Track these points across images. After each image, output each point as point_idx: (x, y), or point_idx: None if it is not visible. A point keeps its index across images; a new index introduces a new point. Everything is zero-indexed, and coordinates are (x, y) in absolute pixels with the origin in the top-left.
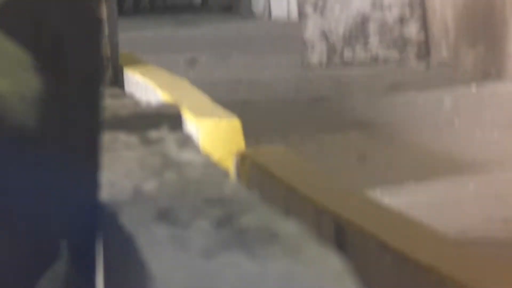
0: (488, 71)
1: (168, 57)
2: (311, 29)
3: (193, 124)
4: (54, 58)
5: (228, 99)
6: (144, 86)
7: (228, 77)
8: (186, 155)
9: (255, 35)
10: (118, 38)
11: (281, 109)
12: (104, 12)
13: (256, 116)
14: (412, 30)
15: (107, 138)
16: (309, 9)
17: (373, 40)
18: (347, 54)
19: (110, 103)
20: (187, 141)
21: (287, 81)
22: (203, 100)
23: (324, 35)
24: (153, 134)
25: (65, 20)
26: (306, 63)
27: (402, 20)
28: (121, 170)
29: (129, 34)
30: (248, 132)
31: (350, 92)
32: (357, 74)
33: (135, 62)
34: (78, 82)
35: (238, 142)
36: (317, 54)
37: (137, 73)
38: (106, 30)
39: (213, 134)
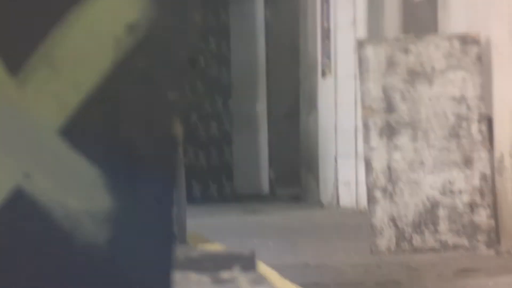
0: None
1: (235, 243)
2: (380, 215)
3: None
4: (126, 176)
5: (297, 282)
6: None
7: (296, 261)
8: None
9: (323, 222)
10: (186, 221)
11: None
12: (180, 131)
13: None
14: (482, 216)
15: (178, 277)
16: (378, 195)
17: (443, 226)
18: (416, 240)
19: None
20: (260, 281)
21: (355, 266)
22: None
23: (393, 221)
24: (225, 274)
25: (139, 136)
26: (375, 249)
27: (472, 207)
28: None
29: (197, 220)
30: None
31: (419, 277)
32: (426, 259)
33: (203, 241)
34: (151, 202)
35: None
36: (385, 239)
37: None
38: (174, 212)
39: None
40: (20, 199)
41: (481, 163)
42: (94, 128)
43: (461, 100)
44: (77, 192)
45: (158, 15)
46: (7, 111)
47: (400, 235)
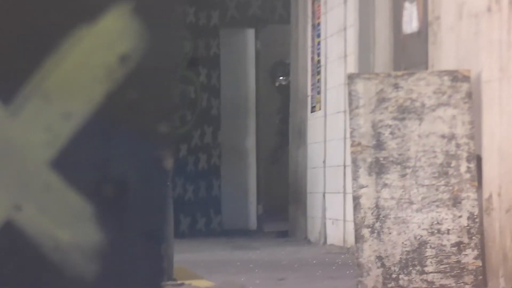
0: None
1: (222, 279)
2: (367, 253)
3: None
4: (116, 209)
5: None
6: None
7: None
8: None
9: (310, 259)
10: (173, 256)
11: None
12: (170, 164)
13: None
14: (470, 257)
15: None
16: (366, 233)
17: (430, 266)
18: (403, 280)
19: None
20: None
21: None
22: None
23: (380, 260)
24: None
25: (130, 169)
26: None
27: (459, 247)
28: None
29: (185, 255)
30: None
31: None
32: None
33: (190, 276)
34: (140, 237)
35: None
36: (372, 279)
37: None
38: (163, 246)
39: None
40: (10, 231)
41: (469, 203)
42: (84, 160)
43: (450, 138)
44: (67, 225)
45: (150, 46)
46: None
47: (387, 275)
